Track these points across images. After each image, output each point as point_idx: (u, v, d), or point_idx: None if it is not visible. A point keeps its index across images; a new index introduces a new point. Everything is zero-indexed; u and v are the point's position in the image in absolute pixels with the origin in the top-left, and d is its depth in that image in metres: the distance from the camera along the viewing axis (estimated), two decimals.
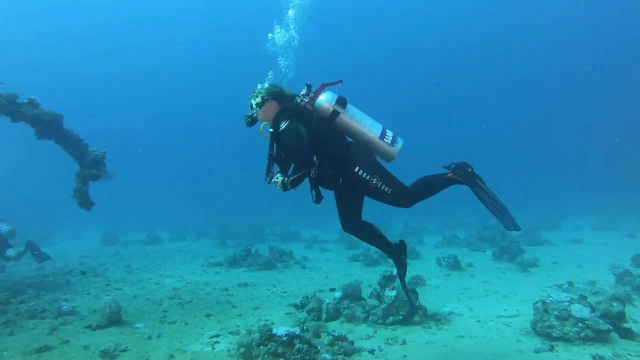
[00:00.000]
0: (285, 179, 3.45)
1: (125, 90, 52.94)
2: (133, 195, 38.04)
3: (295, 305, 6.53)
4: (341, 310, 6.05)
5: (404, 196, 3.68)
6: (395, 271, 6.23)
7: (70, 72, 48.20)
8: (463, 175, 3.74)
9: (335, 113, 3.55)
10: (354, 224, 3.79)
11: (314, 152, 3.46)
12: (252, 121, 3.75)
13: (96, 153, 7.54)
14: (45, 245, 13.17)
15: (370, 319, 5.77)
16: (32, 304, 6.51)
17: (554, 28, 41.62)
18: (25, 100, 6.97)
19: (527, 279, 8.29)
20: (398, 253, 3.91)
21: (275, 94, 3.70)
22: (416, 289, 5.97)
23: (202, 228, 18.94)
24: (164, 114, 55.66)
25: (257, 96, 3.69)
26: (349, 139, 3.70)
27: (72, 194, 7.51)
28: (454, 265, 9.35)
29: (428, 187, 3.77)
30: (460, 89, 47.58)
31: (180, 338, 5.17)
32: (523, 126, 48.81)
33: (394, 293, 5.76)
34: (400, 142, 3.66)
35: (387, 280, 6.19)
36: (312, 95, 3.67)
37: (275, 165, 3.72)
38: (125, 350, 4.72)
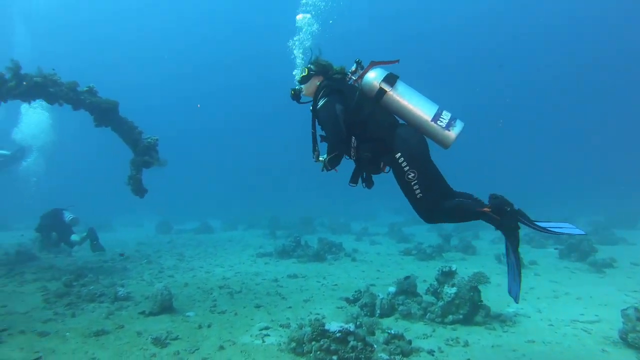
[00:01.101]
0: (326, 160, 3.33)
1: (183, 86, 54.86)
2: (187, 186, 39.40)
3: (347, 299, 6.29)
4: (396, 307, 5.75)
5: (430, 209, 3.24)
6: (454, 266, 5.89)
7: (125, 72, 50.64)
8: (499, 214, 3.16)
9: (382, 91, 3.25)
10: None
11: (353, 133, 3.28)
12: (295, 95, 3.66)
13: (149, 140, 7.63)
14: (105, 232, 13.81)
15: (427, 316, 5.43)
16: (92, 287, 6.70)
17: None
18: (85, 89, 7.16)
19: (602, 280, 7.54)
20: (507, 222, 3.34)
21: (322, 69, 3.55)
22: (478, 287, 5.52)
23: (252, 218, 19.15)
24: (217, 107, 57.06)
25: (303, 70, 3.57)
26: (401, 122, 3.36)
27: (126, 182, 7.66)
28: None
29: (458, 213, 3.27)
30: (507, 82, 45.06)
31: (230, 329, 5.08)
32: (591, 116, 45.46)
33: (453, 290, 5.38)
34: (458, 126, 3.16)
35: (445, 276, 5.80)
36: (360, 72, 3.42)
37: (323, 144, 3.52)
38: (176, 338, 4.67)
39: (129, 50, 50.79)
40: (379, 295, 5.83)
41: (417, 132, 3.25)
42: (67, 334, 4.76)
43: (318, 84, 3.52)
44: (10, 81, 6.47)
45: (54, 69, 6.86)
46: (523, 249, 10.33)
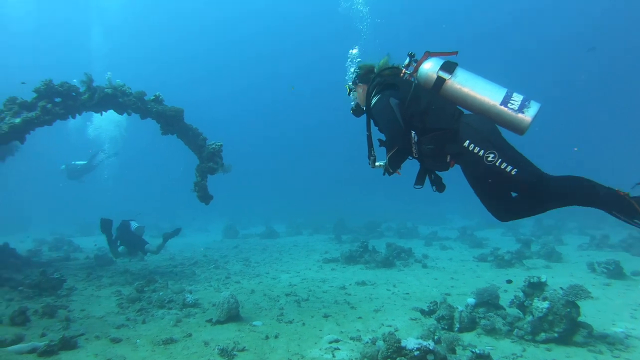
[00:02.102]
0: (386, 161, 3.15)
1: (248, 95, 56.62)
2: (252, 190, 40.24)
3: (421, 311, 5.80)
4: (477, 320, 5.21)
5: (537, 182, 2.73)
6: (544, 277, 5.22)
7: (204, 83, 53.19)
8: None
9: (440, 80, 2.96)
10: (504, 212, 2.98)
11: (412, 127, 3.03)
12: (355, 111, 3.57)
13: (213, 146, 7.61)
14: (177, 237, 14.23)
15: (515, 333, 4.85)
16: (161, 293, 6.80)
17: None
18: (152, 97, 7.30)
19: None
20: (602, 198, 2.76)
21: (362, 75, 3.45)
22: (576, 302, 4.81)
23: (317, 222, 19.02)
24: (280, 112, 58.09)
25: (346, 87, 3.55)
26: (466, 112, 3.01)
27: (192, 188, 7.69)
28: (615, 272, 7.67)
29: (575, 189, 2.73)
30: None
31: (298, 340, 4.83)
32: None
33: (545, 305, 4.75)
34: (533, 108, 2.72)
35: (533, 287, 5.17)
36: (415, 65, 3.16)
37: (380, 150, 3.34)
38: (243, 350, 4.49)
39: (193, 59, 53.27)
40: (457, 307, 5.31)
41: (485, 119, 2.89)
42: (138, 341, 4.76)
43: (364, 88, 3.42)
44: (84, 94, 6.74)
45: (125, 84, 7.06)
46: (620, 256, 9.23)
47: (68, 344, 4.39)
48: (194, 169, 7.65)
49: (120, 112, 7.07)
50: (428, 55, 3.12)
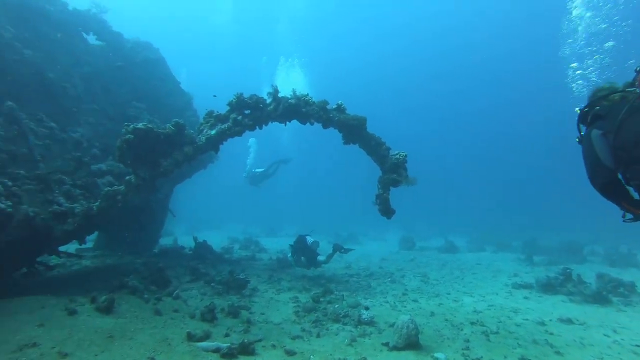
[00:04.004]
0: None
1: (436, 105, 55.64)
2: (430, 200, 38.99)
3: None
4: None
5: None
6: None
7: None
8: None
9: None
10: None
11: (622, 160, 2.58)
12: (581, 141, 3.14)
13: (397, 157, 7.11)
14: (352, 245, 14.45)
15: None
16: (337, 306, 6.66)
17: None
18: (334, 106, 7.27)
19: None
20: None
21: (591, 102, 3.03)
22: None
23: (502, 238, 17.01)
24: (468, 122, 55.41)
25: (576, 110, 3.16)
26: None
27: (374, 201, 7.34)
28: None
29: None
30: None
31: None
32: None
33: None
34: None
35: None
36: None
37: None
38: None
39: (379, 66, 54.29)
40: None
41: None
42: (311, 357, 4.57)
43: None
44: (270, 105, 7.08)
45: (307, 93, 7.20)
46: None
47: (247, 350, 4.46)
48: (376, 180, 7.32)
49: (303, 122, 7.21)
50: None
